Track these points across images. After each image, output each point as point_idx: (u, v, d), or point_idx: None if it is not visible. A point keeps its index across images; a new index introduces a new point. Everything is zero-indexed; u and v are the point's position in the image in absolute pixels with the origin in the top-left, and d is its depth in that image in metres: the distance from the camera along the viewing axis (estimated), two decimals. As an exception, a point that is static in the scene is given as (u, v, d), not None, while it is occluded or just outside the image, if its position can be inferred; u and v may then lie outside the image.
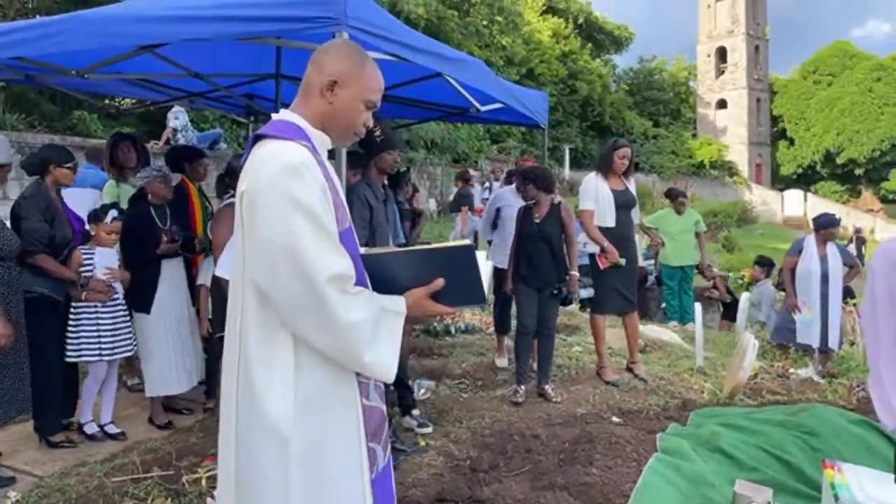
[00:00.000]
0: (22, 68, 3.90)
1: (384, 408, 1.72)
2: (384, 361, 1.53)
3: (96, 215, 3.78)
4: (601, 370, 5.18)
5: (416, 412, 4.19)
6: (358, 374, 1.59)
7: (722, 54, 44.48)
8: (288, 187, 1.44)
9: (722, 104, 44.36)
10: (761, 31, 45.04)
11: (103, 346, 3.73)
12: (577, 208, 5.39)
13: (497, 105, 4.84)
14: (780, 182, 43.60)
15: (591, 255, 5.11)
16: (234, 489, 1.58)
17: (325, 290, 1.43)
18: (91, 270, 3.72)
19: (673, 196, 8.50)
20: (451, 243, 1.64)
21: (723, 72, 44.47)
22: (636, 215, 5.43)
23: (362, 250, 1.65)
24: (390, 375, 1.55)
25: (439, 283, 1.58)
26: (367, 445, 1.61)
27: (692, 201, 23.55)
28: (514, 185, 5.63)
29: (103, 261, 3.76)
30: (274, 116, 1.65)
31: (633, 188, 5.25)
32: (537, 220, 4.68)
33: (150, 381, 4.02)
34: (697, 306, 6.53)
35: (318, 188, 1.49)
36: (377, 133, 3.53)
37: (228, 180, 4.29)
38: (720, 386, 5.16)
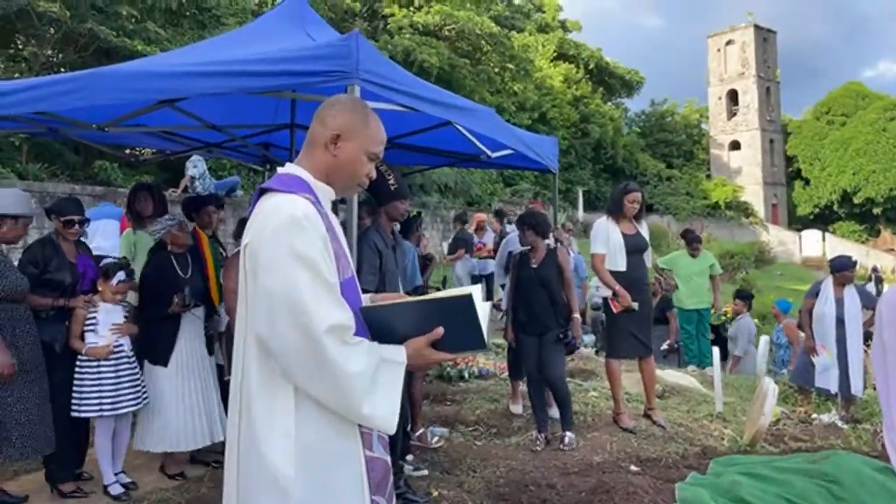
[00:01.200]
0: (45, 122, 4.03)
1: (388, 459, 1.70)
2: (384, 413, 1.52)
3: (106, 273, 3.82)
4: (618, 416, 5.08)
5: (410, 457, 4.15)
6: (360, 426, 1.58)
7: (733, 96, 44.86)
8: (289, 240, 1.47)
9: (735, 145, 44.51)
10: (772, 73, 45.47)
11: (104, 400, 3.66)
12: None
13: (508, 151, 4.91)
14: (798, 222, 43.30)
15: (605, 300, 5.09)
16: None
17: (324, 340, 1.44)
18: (95, 325, 3.74)
19: (688, 240, 8.48)
20: (449, 293, 1.65)
21: (735, 113, 44.76)
22: (649, 258, 5.41)
23: (363, 302, 1.66)
24: (391, 426, 1.54)
25: (439, 332, 1.59)
26: (370, 499, 1.59)
27: (708, 242, 23.43)
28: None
29: (108, 318, 3.75)
30: (279, 170, 1.69)
31: (645, 231, 5.25)
32: (534, 266, 4.69)
33: (157, 434, 3.89)
34: (715, 350, 6.43)
35: (320, 240, 1.52)
36: (391, 182, 3.59)
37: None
38: (741, 432, 5.05)
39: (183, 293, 3.90)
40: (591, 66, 37.53)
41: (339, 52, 2.76)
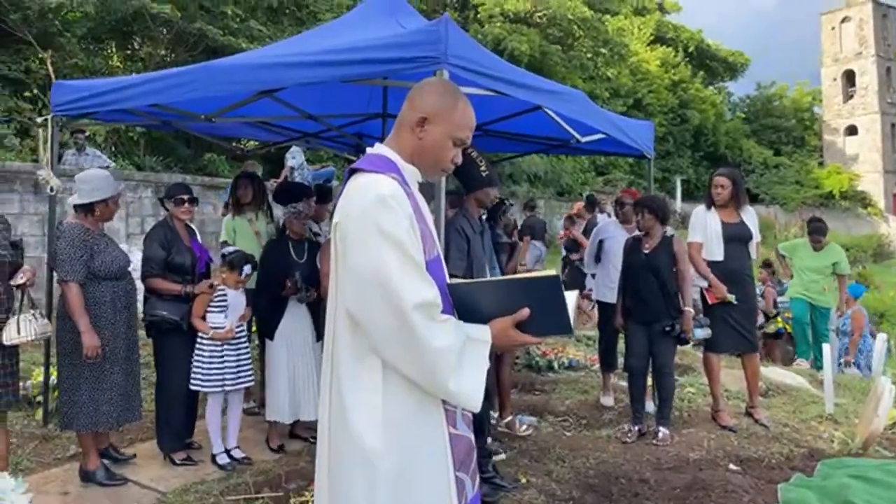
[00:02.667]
0: (158, 115, 4.32)
1: (472, 437, 1.71)
2: (469, 390, 1.53)
3: (231, 263, 4.06)
4: (717, 414, 4.87)
5: (489, 440, 4.13)
6: (444, 402, 1.60)
7: (849, 78, 41.54)
8: (377, 218, 1.50)
9: (852, 130, 41.24)
10: (892, 52, 41.69)
11: (227, 378, 3.95)
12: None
13: (600, 136, 4.78)
14: (923, 213, 39.62)
15: (701, 290, 4.87)
16: None
17: (412, 316, 1.47)
18: (225, 308, 3.98)
19: (809, 231, 7.49)
20: (536, 273, 1.64)
21: (851, 96, 41.46)
22: (754, 250, 5.12)
23: (448, 281, 1.67)
24: (476, 404, 1.55)
25: (524, 312, 1.58)
26: (454, 475, 1.61)
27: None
28: (615, 217, 5.51)
29: (235, 304, 4.01)
30: (369, 150, 1.73)
31: (750, 220, 4.96)
32: (646, 251, 4.54)
33: (268, 405, 4.21)
34: (826, 347, 6.01)
35: (406, 219, 1.54)
36: (482, 168, 3.59)
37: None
38: (852, 435, 4.70)
39: (294, 278, 4.08)
40: (691, 48, 35.81)
41: (429, 38, 2.78)
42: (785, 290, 8.70)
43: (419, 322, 1.47)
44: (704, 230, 4.83)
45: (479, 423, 3.79)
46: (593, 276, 5.72)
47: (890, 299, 12.63)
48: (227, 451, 4.05)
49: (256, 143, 7.42)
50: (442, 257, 1.75)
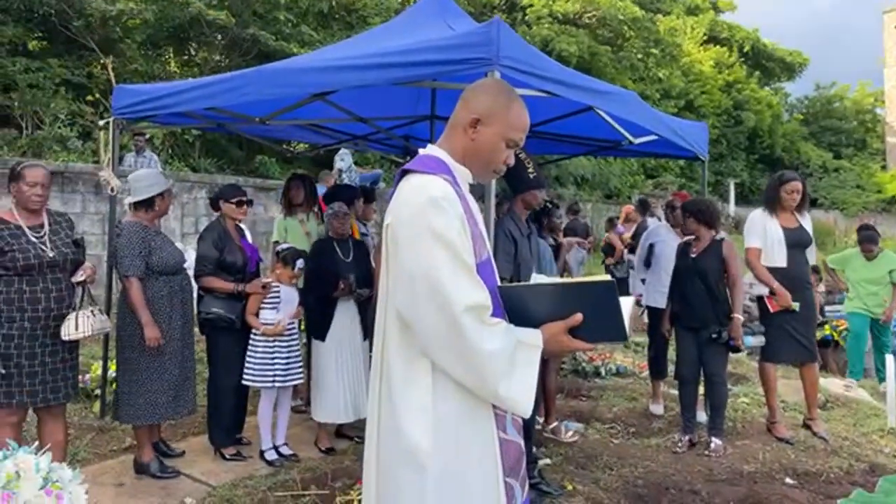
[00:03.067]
0: (214, 117, 4.43)
1: (522, 443, 1.69)
2: (520, 395, 1.51)
3: (284, 259, 4.14)
4: (773, 425, 4.70)
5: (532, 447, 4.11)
6: (494, 406, 1.57)
7: (916, 77, 39.69)
8: (429, 220, 1.49)
9: (917, 132, 39.38)
10: (965, 48, 39.65)
11: (277, 374, 4.01)
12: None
13: (652, 137, 4.68)
14: None
15: (759, 298, 4.71)
16: None
17: (463, 319, 1.45)
18: (278, 303, 4.05)
19: (860, 239, 6.92)
20: (591, 278, 1.60)
21: (918, 96, 39.59)
22: (812, 255, 4.93)
23: (503, 285, 1.65)
24: (526, 409, 1.52)
25: (577, 317, 1.54)
26: (504, 480, 1.58)
27: (883, 241, 20.85)
28: (666, 221, 5.38)
29: (288, 299, 4.08)
30: (421, 151, 1.72)
31: (808, 224, 4.79)
32: (693, 255, 4.43)
33: (317, 406, 4.23)
34: (890, 358, 5.74)
35: (458, 220, 1.53)
36: (530, 170, 3.55)
37: None
38: (920, 451, 4.48)
39: (348, 279, 4.12)
40: (746, 48, 34.76)
41: (481, 40, 2.77)
42: (841, 299, 8.28)
43: (469, 325, 1.46)
44: (764, 235, 4.66)
45: (527, 429, 3.77)
46: (643, 280, 5.60)
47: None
48: (276, 448, 4.12)
49: (306, 145, 7.54)
50: (492, 259, 1.72)
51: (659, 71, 25.31)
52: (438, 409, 1.53)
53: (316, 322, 4.22)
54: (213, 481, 3.78)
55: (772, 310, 4.58)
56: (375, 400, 1.65)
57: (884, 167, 38.07)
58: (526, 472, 1.73)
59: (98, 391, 4.73)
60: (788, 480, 3.82)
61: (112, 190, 4.59)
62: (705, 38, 33.20)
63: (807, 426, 4.81)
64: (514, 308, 1.60)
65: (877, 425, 5.13)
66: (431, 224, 1.49)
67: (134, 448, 3.95)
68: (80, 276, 3.35)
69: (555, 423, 4.57)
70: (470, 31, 2.86)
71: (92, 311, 3.40)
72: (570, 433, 4.57)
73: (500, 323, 1.53)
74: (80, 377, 3.77)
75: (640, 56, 23.71)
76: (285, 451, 4.14)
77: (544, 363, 4.44)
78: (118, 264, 3.72)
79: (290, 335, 4.08)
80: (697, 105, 28.03)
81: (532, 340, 1.55)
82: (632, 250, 9.07)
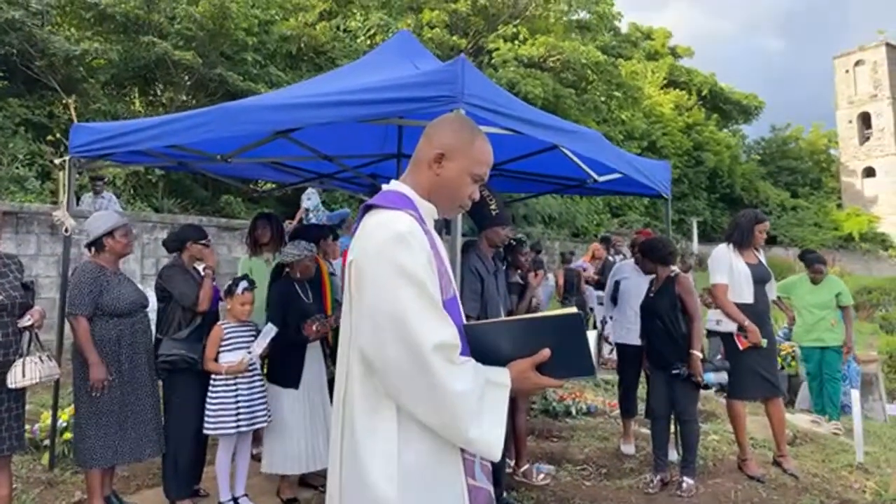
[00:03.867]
0: (175, 155, 4.35)
1: (491, 489, 1.62)
2: (490, 437, 1.45)
3: (229, 289, 4.00)
4: (744, 463, 4.66)
5: (513, 493, 4.07)
6: (463, 451, 1.51)
7: (865, 120, 41.60)
8: (395, 256, 1.45)
9: (870, 172, 41.06)
10: (909, 93, 41.76)
11: (241, 417, 3.81)
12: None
13: (615, 175, 4.73)
14: (945, 255, 38.94)
15: (725, 335, 4.71)
16: None
17: (431, 358, 1.39)
18: (238, 337, 3.89)
19: (807, 262, 6.86)
20: (556, 312, 1.55)
21: (868, 138, 41.45)
22: (772, 290, 4.99)
23: (468, 323, 1.60)
24: (496, 452, 1.46)
25: (545, 353, 1.50)
26: None
27: (841, 276, 21.44)
28: (632, 259, 5.43)
29: (266, 335, 3.87)
30: (385, 187, 1.68)
31: (764, 260, 4.87)
32: (651, 294, 4.46)
33: (273, 455, 3.98)
34: (855, 393, 5.80)
35: (424, 256, 1.48)
36: (492, 206, 3.54)
37: None
38: (885, 485, 4.48)
39: (318, 319, 3.98)
40: (704, 92, 36.08)
41: (445, 78, 2.77)
42: (789, 334, 8.35)
43: (438, 364, 1.40)
44: (730, 272, 4.68)
45: (496, 473, 3.67)
46: (611, 317, 5.60)
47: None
48: (235, 499, 3.92)
49: (273, 184, 7.47)
50: (458, 297, 1.68)
51: (621, 113, 26.02)
52: (404, 458, 1.45)
53: (284, 370, 4.01)
54: (168, 536, 3.58)
55: (741, 347, 4.57)
56: (337, 448, 1.56)
57: (839, 205, 39.50)
58: None
59: (48, 441, 4.48)
60: (761, 520, 3.77)
61: (66, 230, 4.44)
62: (665, 81, 34.41)
63: (777, 463, 4.79)
64: (480, 346, 1.55)
65: (845, 461, 5.14)
66: (397, 260, 1.44)
67: (84, 502, 3.73)
68: (26, 321, 3.21)
69: (526, 466, 4.47)
70: (435, 70, 2.87)
71: (40, 357, 3.25)
72: (542, 476, 4.47)
73: (468, 361, 1.48)
74: (28, 427, 3.58)
75: (603, 98, 24.35)
76: (245, 502, 3.94)
77: (514, 403, 4.39)
78: (67, 304, 3.61)
79: (251, 376, 3.91)
80: (659, 146, 28.82)
81: (500, 379, 1.50)
82: (599, 286, 9.12)
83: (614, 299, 5.44)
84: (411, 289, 1.43)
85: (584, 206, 22.47)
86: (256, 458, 4.73)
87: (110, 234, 3.72)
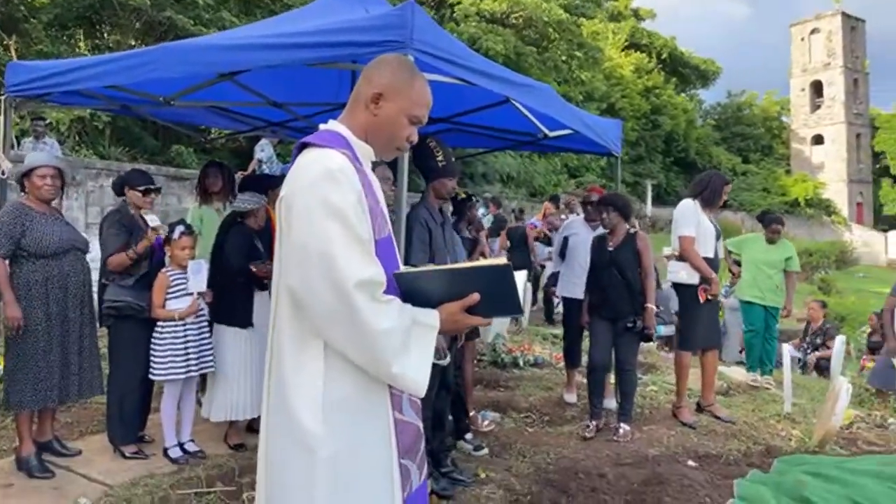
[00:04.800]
0: (117, 97, 4.19)
1: (420, 424, 1.67)
2: (414, 374, 1.48)
3: (167, 237, 3.92)
4: (678, 410, 4.90)
5: (469, 436, 4.15)
6: (390, 387, 1.55)
7: (817, 88, 42.58)
8: (323, 192, 1.45)
9: (818, 140, 42.28)
10: (860, 63, 42.88)
11: (191, 362, 3.81)
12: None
13: (567, 131, 4.77)
14: (884, 222, 40.74)
15: (680, 287, 4.84)
16: (264, 501, 1.56)
17: (354, 294, 1.41)
18: (184, 283, 3.83)
19: (765, 222, 7.00)
20: (486, 262, 1.59)
21: (819, 106, 42.51)
22: (720, 248, 5.21)
23: (398, 271, 1.62)
24: (420, 389, 1.50)
25: (474, 297, 1.53)
26: (399, 462, 1.56)
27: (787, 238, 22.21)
28: (583, 215, 5.52)
29: (196, 269, 3.82)
30: (321, 126, 1.67)
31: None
32: (611, 248, 4.55)
33: (216, 402, 3.98)
34: (786, 347, 6.11)
35: (353, 194, 1.49)
36: (440, 158, 3.54)
37: None
38: (810, 433, 4.77)
39: (264, 262, 3.94)
40: (664, 55, 36.32)
41: (394, 22, 2.74)
42: (729, 291, 8.65)
43: (361, 301, 1.42)
44: (698, 225, 4.80)
45: (440, 417, 3.77)
46: (559, 273, 5.72)
47: (851, 304, 12.98)
48: (181, 445, 3.93)
49: (225, 133, 7.30)
50: (393, 237, 1.70)
51: (582, 73, 26.03)
52: (329, 391, 1.48)
53: (233, 310, 3.97)
54: (111, 481, 3.56)
55: (702, 300, 4.73)
56: (267, 385, 1.59)
57: (788, 171, 40.71)
58: (425, 455, 1.70)
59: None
60: (690, 462, 3.98)
61: (3, 173, 4.28)
62: (626, 43, 34.46)
63: (705, 410, 5.02)
64: (411, 293, 1.58)
65: (774, 410, 5.43)
66: (326, 197, 1.45)
67: (26, 446, 3.70)
68: None
69: (472, 413, 4.60)
70: (384, 14, 2.82)
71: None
72: (487, 422, 4.61)
73: (393, 300, 1.50)
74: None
75: (564, 58, 24.32)
76: (191, 447, 3.95)
77: (462, 355, 4.49)
78: None
79: (199, 319, 3.89)
80: (618, 108, 29.03)
81: (428, 321, 1.53)
82: (549, 242, 9.30)
83: (563, 254, 5.55)
84: (337, 225, 1.44)
85: (542, 166, 22.62)
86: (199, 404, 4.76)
87: (30, 174, 3.60)
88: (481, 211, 9.96)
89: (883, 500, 3.04)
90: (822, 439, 4.48)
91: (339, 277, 1.41)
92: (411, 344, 1.48)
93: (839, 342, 7.76)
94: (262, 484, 1.58)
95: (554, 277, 6.05)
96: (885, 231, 38.26)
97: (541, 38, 22.25)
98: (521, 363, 6.43)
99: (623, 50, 34.01)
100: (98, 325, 3.92)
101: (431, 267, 1.65)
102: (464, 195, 4.64)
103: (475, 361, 5.58)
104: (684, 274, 4.79)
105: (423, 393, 1.52)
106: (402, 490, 1.56)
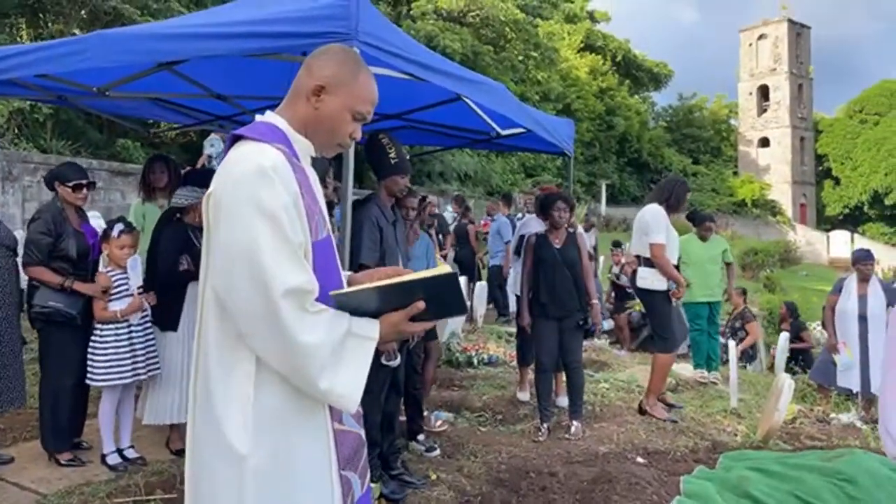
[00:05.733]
0: (51, 88, 3.99)
1: (362, 432, 1.59)
2: (344, 390, 1.38)
3: (105, 234, 3.75)
4: (653, 408, 4.97)
5: (421, 437, 4.12)
6: None
7: (764, 92, 43.96)
8: (253, 191, 1.35)
9: (764, 142, 43.67)
10: (805, 69, 44.45)
11: (138, 365, 3.64)
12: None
13: (520, 130, 4.76)
14: (826, 222, 42.42)
15: (648, 291, 4.90)
16: None
17: (280, 304, 1.31)
18: (126, 284, 3.69)
19: (697, 220, 7.24)
20: (433, 272, 1.50)
21: (765, 110, 43.89)
22: None
23: (342, 278, 1.53)
24: (351, 405, 1.41)
25: (419, 306, 1.45)
26: (339, 473, 1.47)
27: (732, 239, 22.89)
28: (537, 214, 5.53)
29: (133, 268, 3.68)
30: (257, 118, 1.56)
31: None
32: (557, 246, 4.56)
33: (155, 406, 3.82)
34: (731, 344, 6.25)
35: (287, 195, 1.39)
36: (392, 155, 3.48)
37: None
38: (755, 429, 4.88)
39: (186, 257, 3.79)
40: (619, 58, 37.00)
41: (338, 13, 2.65)
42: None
43: (287, 311, 1.32)
44: (668, 232, 4.89)
45: (390, 419, 3.71)
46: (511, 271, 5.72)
47: (780, 302, 13.45)
48: (120, 451, 3.77)
49: (174, 128, 7.04)
50: (332, 239, 1.60)
51: (538, 73, 26.27)
52: (262, 400, 1.38)
53: (164, 312, 3.83)
54: (45, 489, 3.40)
55: (673, 303, 4.91)
56: (193, 391, 1.48)
57: (735, 173, 41.95)
58: (367, 463, 1.63)
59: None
60: (639, 459, 4.02)
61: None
62: (582, 45, 34.94)
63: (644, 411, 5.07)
64: (351, 312, 1.47)
65: (721, 406, 5.55)
66: (256, 195, 1.35)
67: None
68: None
69: (425, 413, 4.55)
70: (327, 4, 2.73)
71: None
72: (440, 423, 4.57)
73: (324, 311, 1.40)
74: None
75: (520, 58, 24.50)
76: (131, 454, 3.79)
77: (427, 356, 4.43)
78: None
79: (144, 320, 3.73)
80: (574, 109, 29.43)
81: (365, 332, 1.43)
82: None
83: (518, 252, 5.55)
84: (266, 227, 1.34)
85: (500, 165, 22.76)
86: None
87: None
88: (448, 210, 9.94)
89: (824, 494, 3.11)
90: (766, 434, 4.58)
91: (265, 284, 1.31)
92: (344, 357, 1.39)
93: (782, 339, 8.03)
94: (190, 496, 1.48)
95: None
96: (826, 231, 39.80)
97: (498, 37, 22.36)
98: (475, 362, 6.42)
99: (578, 51, 34.50)
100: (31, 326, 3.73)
101: (372, 284, 1.55)
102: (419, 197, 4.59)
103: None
104: (654, 280, 4.85)
105: (353, 409, 1.43)
106: (343, 503, 1.48)
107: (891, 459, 1.71)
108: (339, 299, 1.47)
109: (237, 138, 1.50)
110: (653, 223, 4.87)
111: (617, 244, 9.70)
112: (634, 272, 5.09)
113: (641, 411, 5.01)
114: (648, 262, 4.85)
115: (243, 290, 1.33)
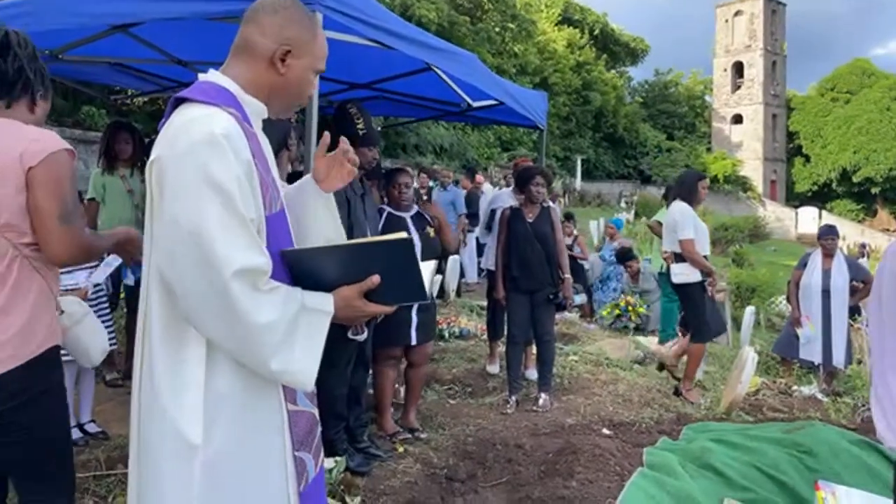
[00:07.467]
0: None
1: (315, 412, 1.53)
2: (298, 369, 1.32)
3: None
4: (689, 393, 5.08)
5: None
6: None
7: (739, 69, 44.23)
8: (203, 162, 1.25)
9: (738, 119, 44.06)
10: (779, 46, 44.77)
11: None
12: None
13: (491, 102, 4.70)
14: (795, 199, 43.16)
15: (683, 285, 5.04)
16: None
17: (231, 284, 1.23)
18: (88, 268, 3.57)
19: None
20: (386, 237, 1.45)
21: (739, 87, 44.21)
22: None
23: (287, 249, 1.45)
24: (306, 383, 1.35)
25: (374, 279, 1.39)
26: (293, 455, 1.41)
27: (703, 215, 23.12)
28: (511, 188, 5.50)
29: (108, 262, 3.57)
30: (201, 77, 1.45)
31: None
32: (530, 220, 4.55)
33: None
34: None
35: (241, 166, 1.29)
36: (360, 126, 3.39)
37: None
38: (718, 400, 4.98)
39: None
40: (596, 31, 36.82)
41: (301, -25, 2.54)
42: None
43: (239, 291, 1.24)
44: (696, 227, 5.02)
45: (356, 393, 3.69)
46: (484, 245, 5.70)
47: (762, 276, 13.67)
48: (80, 426, 3.70)
49: (141, 98, 6.83)
50: (287, 213, 1.53)
51: (515, 45, 26.03)
52: (211, 382, 1.31)
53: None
54: (1, 465, 3.33)
55: (710, 294, 5.04)
56: (137, 376, 1.38)
57: (709, 149, 42.33)
58: (320, 443, 1.57)
59: None
60: (605, 431, 4.06)
61: None
62: (560, 18, 34.65)
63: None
64: (301, 273, 1.42)
65: (687, 378, 5.63)
66: (206, 167, 1.24)
67: None
68: None
69: (395, 387, 4.54)
70: (289, -34, 2.63)
71: None
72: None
73: (277, 288, 1.32)
74: None
75: (497, 29, 24.22)
76: (92, 428, 3.72)
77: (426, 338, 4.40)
78: None
79: (96, 294, 3.63)
80: (551, 83, 29.29)
81: (321, 306, 1.37)
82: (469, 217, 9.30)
83: (489, 227, 5.52)
84: (217, 202, 1.23)
85: (475, 138, 22.62)
86: (111, 385, 4.51)
87: None
88: (431, 184, 9.79)
89: (783, 465, 3.18)
90: (729, 406, 4.67)
91: (215, 263, 1.23)
92: (298, 334, 1.32)
93: (748, 313, 8.17)
94: (134, 486, 1.40)
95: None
96: (795, 207, 40.52)
97: (474, 7, 22.07)
98: (446, 335, 6.41)
99: (556, 24, 34.22)
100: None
101: (322, 244, 1.49)
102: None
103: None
104: (688, 273, 5.01)
105: (309, 387, 1.38)
106: (298, 483, 1.42)
107: (890, 452, 1.73)
108: (292, 256, 1.42)
109: (180, 100, 1.39)
110: (680, 220, 5.05)
111: (569, 217, 9.73)
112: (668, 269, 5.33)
113: (677, 392, 5.17)
114: (680, 258, 5.04)
115: (189, 269, 1.24)
